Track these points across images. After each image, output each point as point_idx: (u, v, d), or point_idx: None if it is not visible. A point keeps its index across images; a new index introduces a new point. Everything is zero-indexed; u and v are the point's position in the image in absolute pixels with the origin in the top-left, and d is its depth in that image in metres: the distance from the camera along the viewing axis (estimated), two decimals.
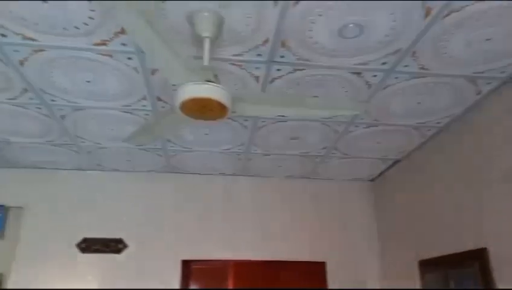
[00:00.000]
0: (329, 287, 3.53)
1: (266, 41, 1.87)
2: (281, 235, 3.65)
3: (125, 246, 3.39)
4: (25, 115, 2.56)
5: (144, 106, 2.47)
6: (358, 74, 2.14)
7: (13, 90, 2.27)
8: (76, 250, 3.33)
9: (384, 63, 2.05)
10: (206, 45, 1.74)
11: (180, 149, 3.18)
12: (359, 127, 2.77)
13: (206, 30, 1.73)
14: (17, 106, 2.44)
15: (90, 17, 1.71)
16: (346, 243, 3.70)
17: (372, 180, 3.91)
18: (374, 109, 2.51)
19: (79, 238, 3.36)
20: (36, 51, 1.93)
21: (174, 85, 2.13)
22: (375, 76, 2.16)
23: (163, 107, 2.45)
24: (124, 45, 1.89)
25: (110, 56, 1.97)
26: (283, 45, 1.89)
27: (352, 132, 2.85)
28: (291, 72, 2.12)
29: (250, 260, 3.57)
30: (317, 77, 2.16)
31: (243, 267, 3.61)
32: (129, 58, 2.00)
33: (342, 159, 3.39)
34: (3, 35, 1.81)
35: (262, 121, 2.70)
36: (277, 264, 3.61)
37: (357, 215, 3.82)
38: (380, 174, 3.73)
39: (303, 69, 2.10)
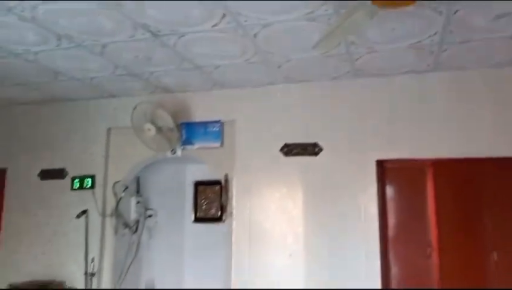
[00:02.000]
0: None
1: None
2: (486, 130, 3.31)
3: (320, 149, 3.69)
4: (225, 39, 2.93)
5: (326, 10, 2.48)
6: None
7: (215, 17, 2.61)
8: (279, 154, 3.80)
9: None
10: None
11: (365, 51, 3.11)
12: None
13: None
14: (219, 32, 2.81)
15: None
16: None
17: None
18: None
19: (281, 144, 3.81)
20: None
21: None
22: None
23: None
24: None
25: None
26: None
27: None
28: None
29: (451, 158, 3.40)
30: None
31: (443, 166, 3.47)
32: None
33: None
34: None
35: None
36: (483, 162, 3.33)
37: None
38: None
39: None
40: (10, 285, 3.80)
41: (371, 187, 3.52)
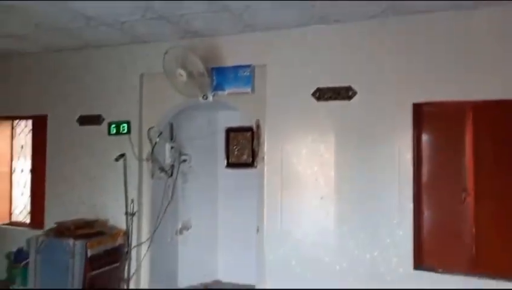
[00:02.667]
0: None
1: None
2: None
3: (354, 92, 3.59)
4: None
5: None
6: None
7: None
8: (311, 99, 3.73)
9: None
10: None
11: None
12: None
13: None
14: None
15: None
16: None
17: None
18: None
19: (313, 89, 3.73)
20: None
21: None
22: None
23: None
24: None
25: None
26: None
27: None
28: None
29: (492, 100, 3.23)
30: None
31: (483, 109, 3.31)
32: None
33: None
34: None
35: None
36: None
37: None
38: None
39: None
40: (57, 223, 4.10)
41: (406, 131, 3.43)
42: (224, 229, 4.99)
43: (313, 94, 3.73)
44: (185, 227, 4.84)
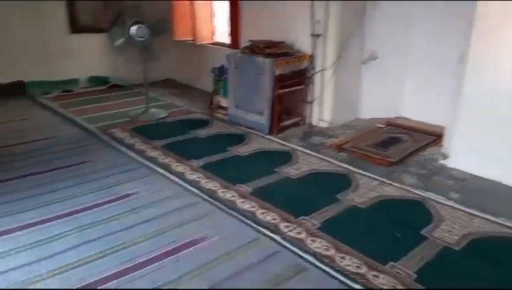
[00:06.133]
0: None
1: None
2: None
3: None
4: None
5: None
6: None
7: None
8: None
9: None
10: None
11: None
12: None
13: None
14: None
15: None
16: None
17: None
18: None
19: None
20: None
21: None
22: None
23: None
24: None
25: None
26: None
27: None
28: None
29: None
30: None
31: None
32: None
33: None
34: None
35: None
36: None
37: None
38: None
39: None
40: (251, 41, 4.35)
41: None
42: (414, 64, 4.46)
43: None
44: (372, 57, 4.52)
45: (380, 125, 4.44)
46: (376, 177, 3.27)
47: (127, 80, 5.86)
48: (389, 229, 2.56)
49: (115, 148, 3.78)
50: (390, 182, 3.19)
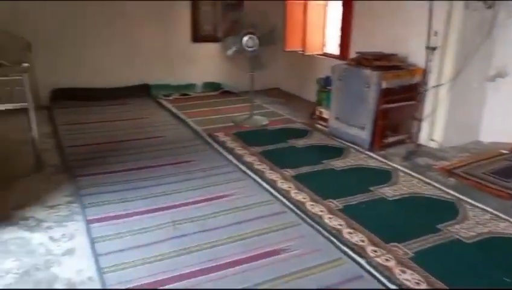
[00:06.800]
0: None
1: None
2: None
3: None
4: None
5: None
6: None
7: None
8: None
9: None
10: None
11: None
12: None
13: None
14: None
15: None
16: None
17: None
18: None
19: None
20: None
21: None
22: None
23: None
24: None
25: None
26: None
27: None
28: None
29: None
30: None
31: None
32: None
33: None
34: None
35: None
36: None
37: None
38: None
39: None
40: (358, 52, 4.19)
41: None
42: None
43: None
44: (500, 74, 3.98)
45: (504, 151, 3.88)
46: (490, 210, 2.87)
47: (237, 87, 6.15)
48: (497, 272, 2.21)
49: (217, 150, 3.99)
50: (508, 218, 2.76)
